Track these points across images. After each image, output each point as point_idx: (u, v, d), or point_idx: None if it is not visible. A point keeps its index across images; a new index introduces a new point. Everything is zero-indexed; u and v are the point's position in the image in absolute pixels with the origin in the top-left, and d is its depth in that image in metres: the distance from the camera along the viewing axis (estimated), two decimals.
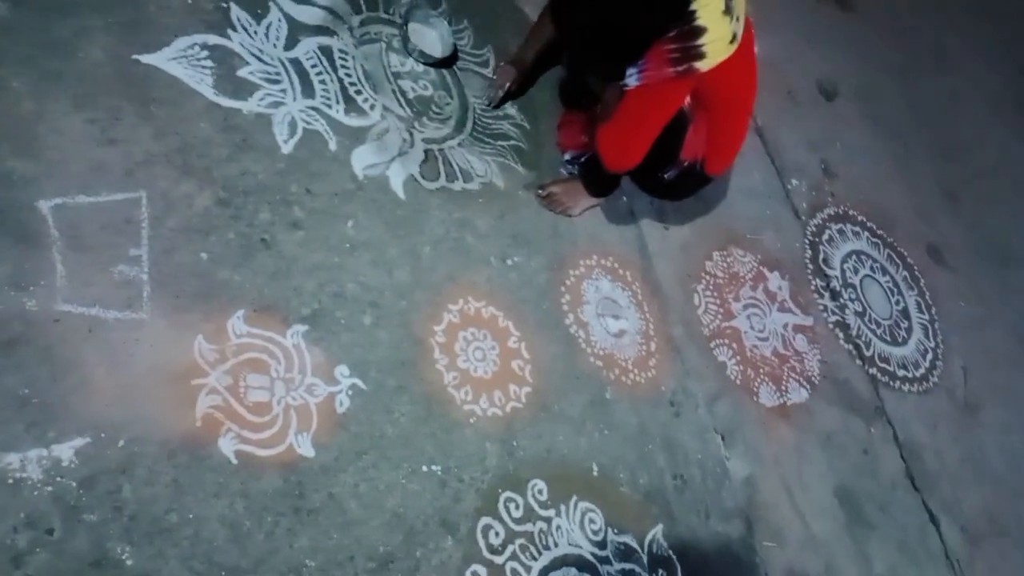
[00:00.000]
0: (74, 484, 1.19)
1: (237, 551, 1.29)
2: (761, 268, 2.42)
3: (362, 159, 1.77)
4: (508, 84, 2.06)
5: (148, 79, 1.55)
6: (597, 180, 2.01)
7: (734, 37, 1.65)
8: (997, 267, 3.18)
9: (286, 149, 1.66)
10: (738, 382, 2.16)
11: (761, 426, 2.12)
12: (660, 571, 1.73)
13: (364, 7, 1.99)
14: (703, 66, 1.63)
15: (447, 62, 2.06)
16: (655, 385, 1.98)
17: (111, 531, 1.20)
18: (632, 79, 1.68)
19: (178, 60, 1.61)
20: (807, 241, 2.62)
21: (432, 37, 2.06)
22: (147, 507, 1.24)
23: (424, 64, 2.02)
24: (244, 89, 1.67)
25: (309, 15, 1.87)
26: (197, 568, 1.25)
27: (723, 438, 2.03)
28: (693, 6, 1.56)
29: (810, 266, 2.57)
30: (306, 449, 1.42)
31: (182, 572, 1.23)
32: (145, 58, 1.56)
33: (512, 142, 2.09)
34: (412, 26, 2.02)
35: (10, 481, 1.15)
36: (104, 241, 1.37)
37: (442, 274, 1.77)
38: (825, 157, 2.87)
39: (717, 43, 1.62)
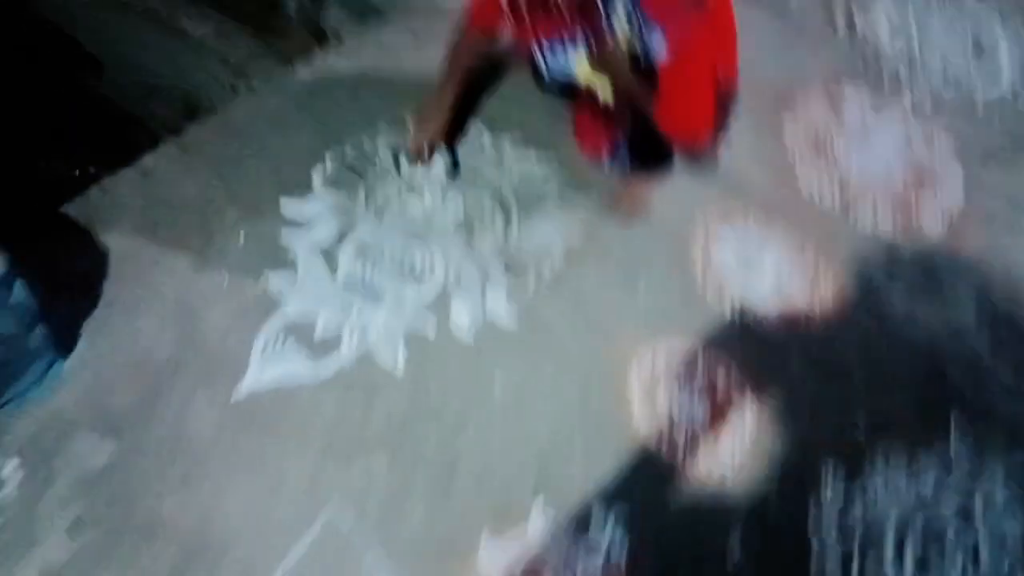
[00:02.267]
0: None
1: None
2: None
3: (460, 318, 1.70)
4: (433, 133, 1.83)
5: (251, 412, 1.53)
6: (650, 160, 1.89)
7: None
8: None
9: (399, 371, 1.63)
10: None
11: None
12: None
13: (338, 181, 1.89)
14: None
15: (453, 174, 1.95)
16: None
17: None
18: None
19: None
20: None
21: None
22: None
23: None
24: (330, 343, 1.63)
25: (322, 230, 1.78)
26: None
27: None
28: None
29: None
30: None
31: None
32: (239, 390, 1.55)
33: (551, 185, 1.95)
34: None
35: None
36: None
37: (597, 348, 1.72)
38: None
39: None
